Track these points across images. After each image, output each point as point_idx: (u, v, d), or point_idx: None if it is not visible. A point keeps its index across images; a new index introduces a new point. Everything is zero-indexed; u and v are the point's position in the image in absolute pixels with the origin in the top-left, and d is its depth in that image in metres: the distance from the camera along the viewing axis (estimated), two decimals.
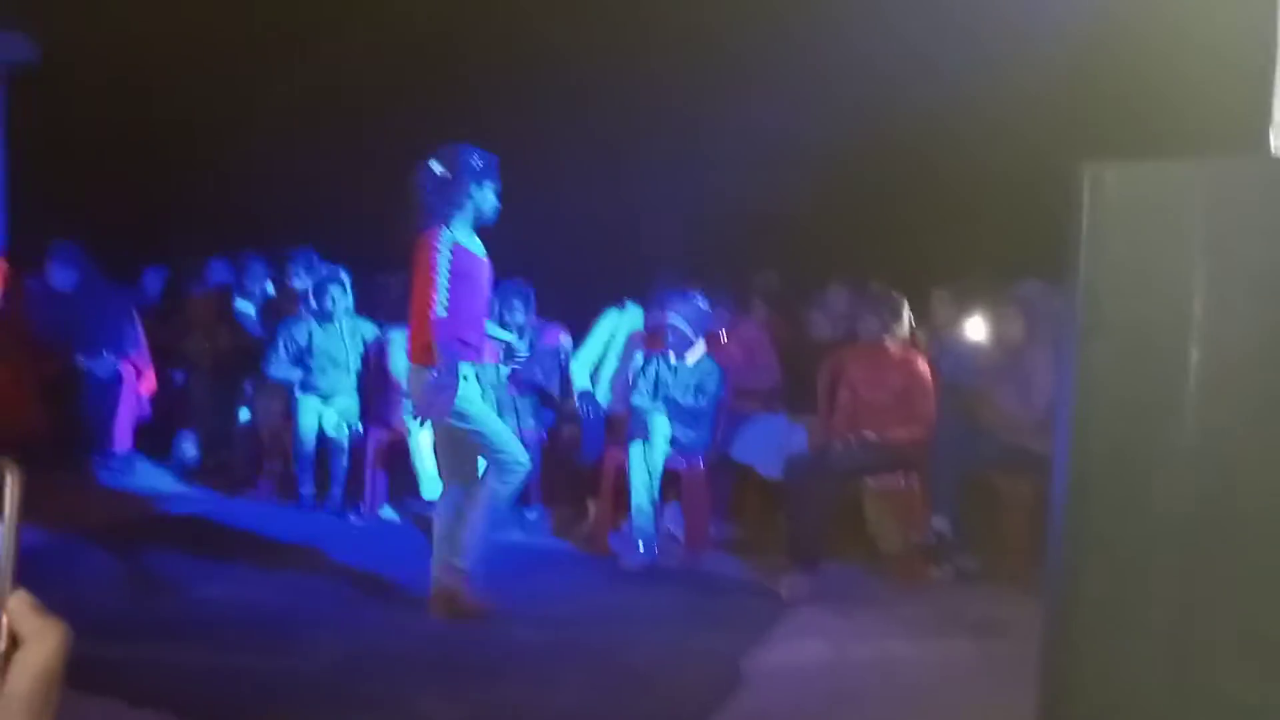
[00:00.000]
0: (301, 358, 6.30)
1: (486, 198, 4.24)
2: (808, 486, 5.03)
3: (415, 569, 4.83)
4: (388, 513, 6.16)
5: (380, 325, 6.46)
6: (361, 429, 6.23)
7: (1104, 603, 2.15)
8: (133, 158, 9.00)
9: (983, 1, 6.11)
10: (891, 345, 5.36)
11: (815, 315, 6.53)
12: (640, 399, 5.63)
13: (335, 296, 6.30)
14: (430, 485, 5.83)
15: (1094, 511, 2.18)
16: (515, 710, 3.58)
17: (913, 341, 5.60)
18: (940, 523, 5.12)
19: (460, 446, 4.29)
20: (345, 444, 6.15)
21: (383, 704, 3.56)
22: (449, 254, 4.11)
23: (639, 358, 5.98)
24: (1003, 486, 5.21)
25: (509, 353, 4.64)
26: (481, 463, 4.34)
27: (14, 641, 0.72)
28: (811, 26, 7.03)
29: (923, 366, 5.34)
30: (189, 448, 7.18)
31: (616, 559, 5.32)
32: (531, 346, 6.26)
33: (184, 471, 7.05)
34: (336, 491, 6.14)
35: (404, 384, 6.02)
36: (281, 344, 6.33)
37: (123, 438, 6.87)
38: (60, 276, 6.84)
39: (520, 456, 4.27)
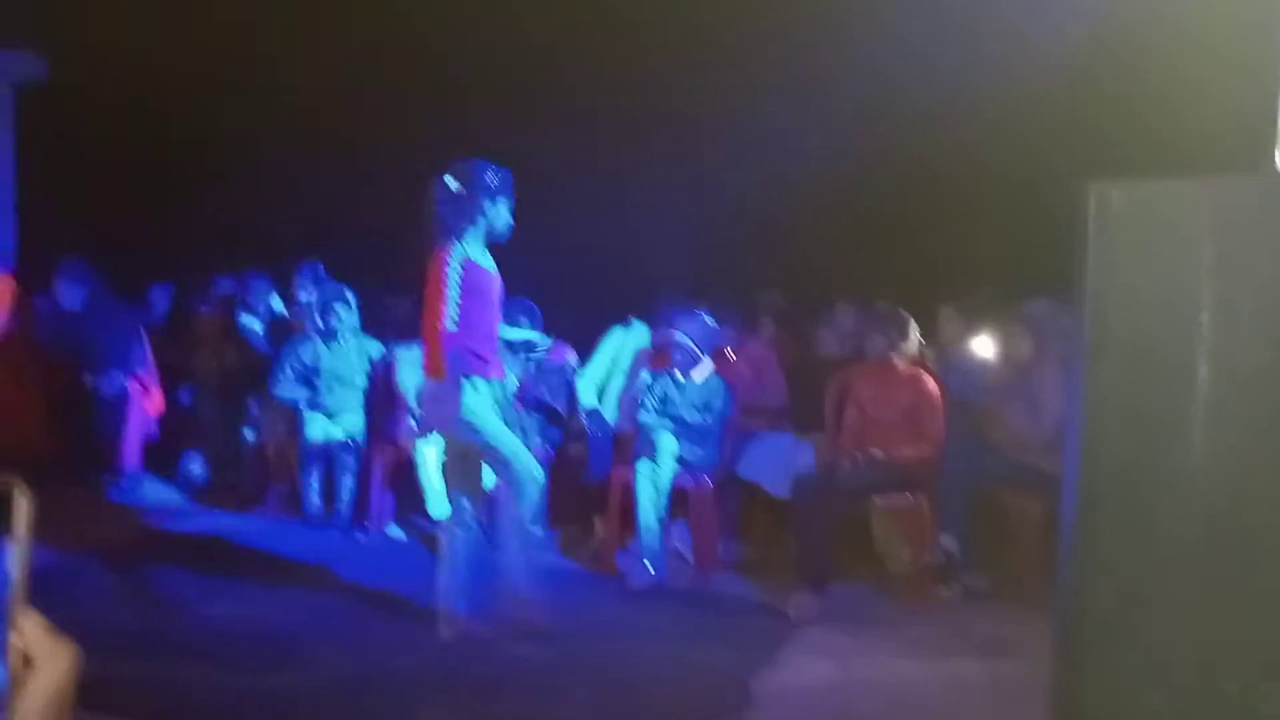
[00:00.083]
0: (308, 377, 6.31)
1: (500, 214, 4.25)
2: (815, 505, 5.02)
3: (421, 586, 4.83)
4: (394, 530, 6.16)
5: (386, 344, 6.47)
6: (368, 447, 6.23)
7: (1113, 622, 2.14)
8: (141, 175, 9.05)
9: (989, 20, 6.13)
10: (899, 363, 5.35)
11: (822, 333, 6.53)
12: (647, 417, 5.62)
13: (341, 315, 6.32)
14: (437, 503, 5.82)
15: (1102, 530, 2.17)
16: None
17: (920, 360, 5.59)
18: (948, 542, 5.10)
19: (469, 460, 4.30)
20: (352, 462, 6.16)
21: None
22: (460, 269, 4.13)
23: (646, 375, 5.98)
24: (1011, 505, 5.20)
25: (529, 348, 4.62)
26: (487, 475, 4.34)
27: (27, 662, 0.73)
28: (818, 44, 7.06)
29: (930, 385, 5.33)
30: (196, 466, 7.19)
31: (624, 578, 5.30)
32: (538, 364, 6.27)
33: (191, 490, 7.05)
34: (343, 509, 6.14)
35: (411, 401, 6.04)
36: (288, 363, 6.34)
37: (130, 456, 6.88)
38: (68, 294, 6.86)
39: (533, 469, 4.27)
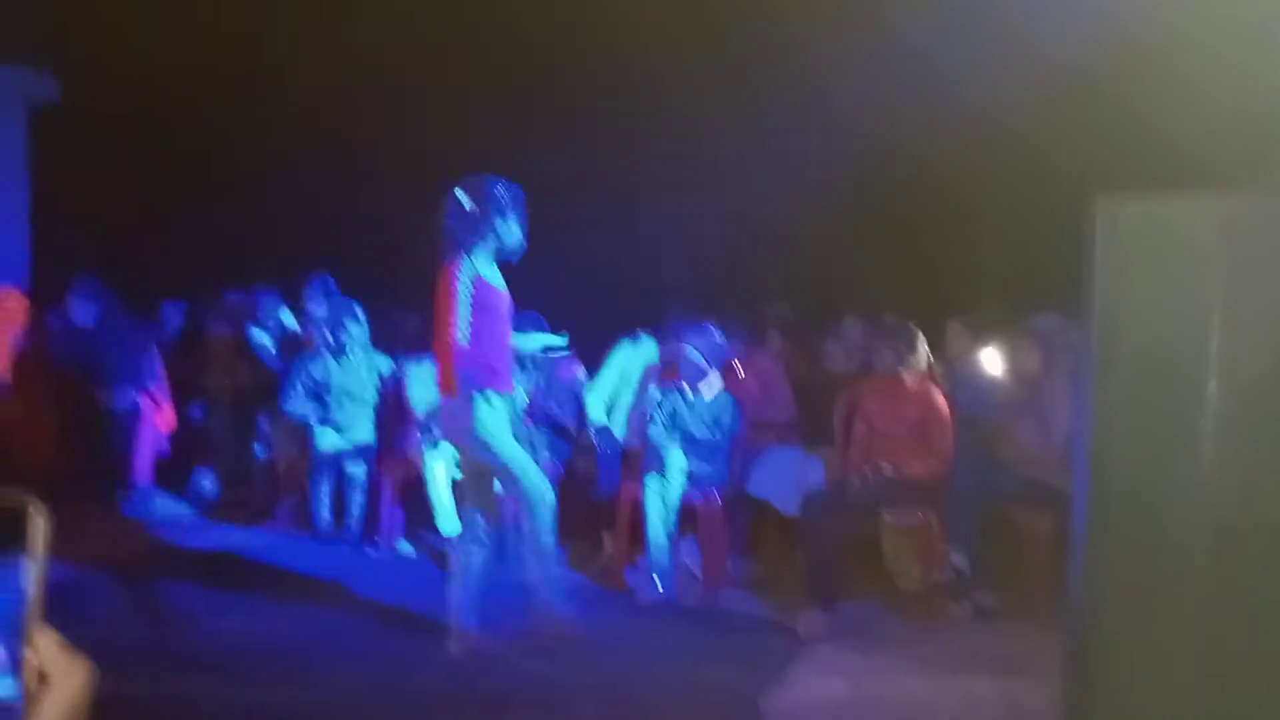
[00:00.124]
0: (318, 392, 6.32)
1: (511, 230, 4.26)
2: (824, 522, 5.00)
3: (431, 601, 4.83)
4: (404, 546, 6.16)
5: (396, 359, 6.49)
6: (378, 462, 6.24)
7: (1124, 640, 2.13)
8: (152, 191, 9.10)
9: (998, 33, 6.14)
10: (908, 378, 5.34)
11: (830, 347, 6.53)
12: (656, 432, 5.62)
13: (351, 330, 6.33)
14: (446, 519, 5.82)
15: (1112, 547, 2.17)
16: None
17: (929, 374, 5.58)
18: (958, 558, 5.08)
19: (483, 476, 4.31)
20: (362, 478, 6.17)
21: None
22: (470, 284, 4.14)
23: (654, 391, 5.98)
24: (1022, 521, 5.18)
25: (551, 349, 4.61)
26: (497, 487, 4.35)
27: (41, 679, 0.73)
28: (827, 58, 7.07)
29: (940, 400, 5.32)
30: (207, 481, 7.20)
31: (633, 594, 5.29)
32: (546, 379, 6.28)
33: (203, 505, 7.07)
34: (353, 525, 6.15)
35: (421, 416, 6.05)
36: (298, 379, 6.35)
37: (142, 471, 6.90)
38: (81, 311, 6.89)
39: (544, 490, 4.27)
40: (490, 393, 4.18)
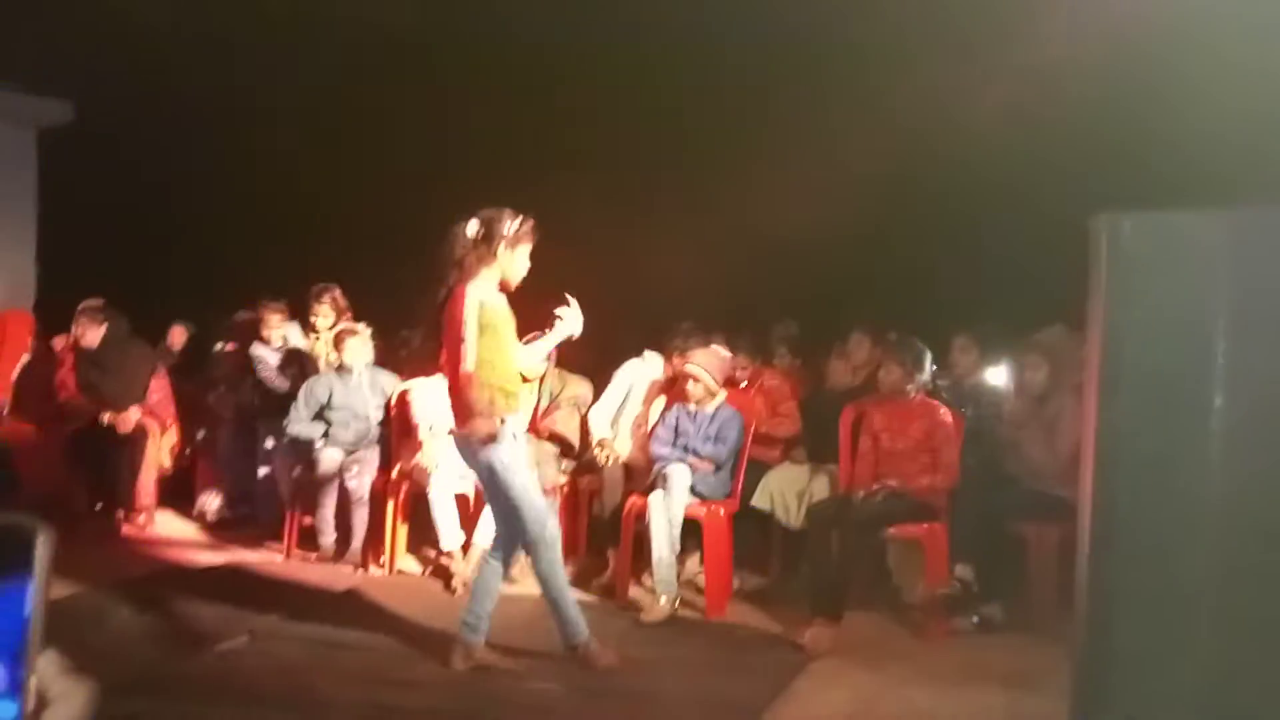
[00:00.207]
0: (323, 411, 6.33)
1: (516, 261, 4.29)
2: (830, 536, 4.99)
3: (435, 619, 4.83)
4: (408, 564, 6.15)
5: (401, 377, 6.49)
6: (383, 481, 6.24)
7: (1133, 655, 2.12)
8: (160, 214, 9.13)
9: (1003, 48, 6.15)
10: (913, 393, 5.34)
11: (836, 363, 6.52)
12: (660, 448, 5.62)
13: (356, 349, 6.34)
14: (450, 536, 5.82)
15: (1120, 559, 2.16)
16: None
17: (935, 389, 5.58)
18: (965, 572, 5.06)
19: (498, 498, 4.32)
20: (366, 496, 6.16)
21: None
22: (478, 310, 4.16)
23: (659, 406, 5.98)
24: (1029, 535, 5.17)
25: (563, 329, 4.58)
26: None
27: (43, 702, 0.73)
28: (831, 75, 7.10)
29: (945, 414, 5.31)
30: (213, 501, 7.21)
31: (637, 609, 5.28)
32: (551, 396, 6.28)
33: (208, 525, 7.08)
34: (358, 544, 6.15)
35: (425, 434, 6.05)
36: (303, 400, 6.36)
37: (148, 493, 6.91)
38: (88, 332, 6.90)
39: (545, 530, 4.26)
40: (505, 418, 4.19)
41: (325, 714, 3.89)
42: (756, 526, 5.85)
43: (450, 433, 4.59)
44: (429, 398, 6.01)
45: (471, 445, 4.21)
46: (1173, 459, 2.09)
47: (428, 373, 5.98)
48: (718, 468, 5.55)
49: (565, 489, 6.08)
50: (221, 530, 6.95)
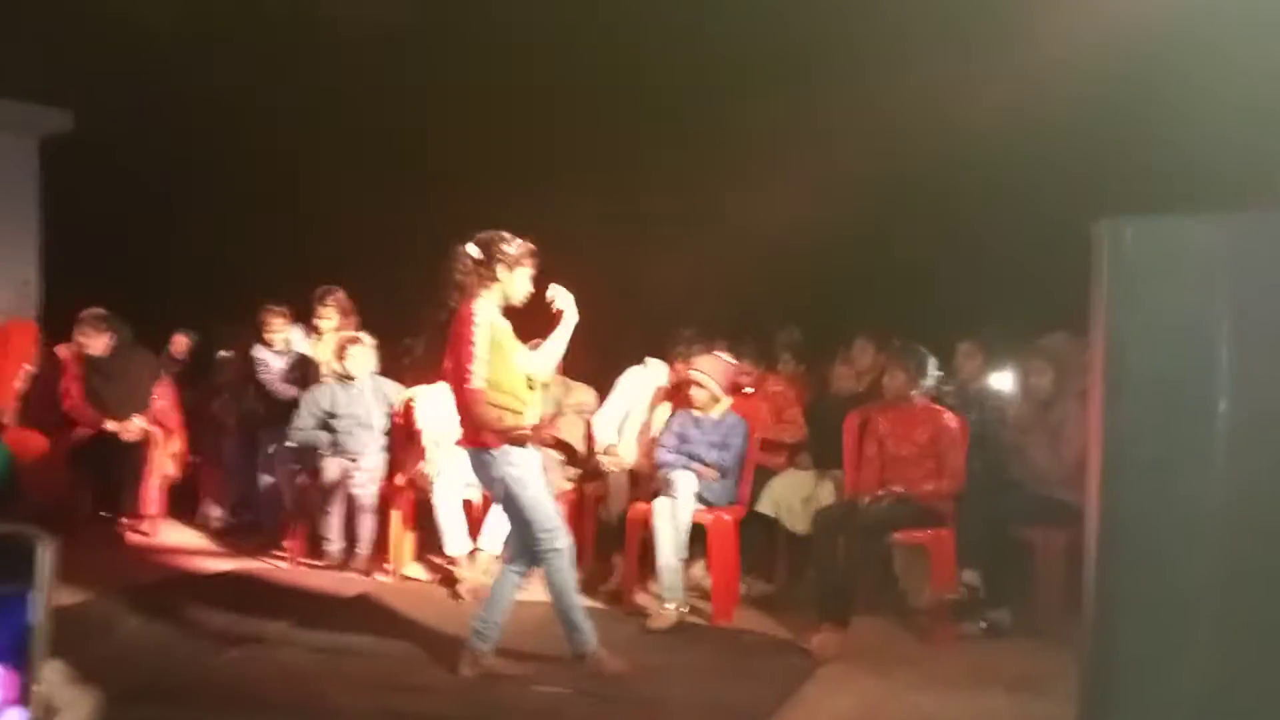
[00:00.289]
0: (327, 419, 6.33)
1: (516, 282, 4.30)
2: (836, 541, 4.99)
3: (442, 626, 4.82)
4: (414, 571, 6.15)
5: (405, 384, 6.50)
6: (388, 488, 6.24)
7: (1139, 660, 2.12)
8: (161, 222, 9.15)
9: (1004, 53, 6.16)
10: (918, 398, 5.33)
11: (840, 369, 6.52)
12: (666, 454, 5.62)
13: (359, 358, 6.35)
14: (455, 543, 5.82)
15: (1125, 564, 2.16)
16: None
17: (939, 394, 5.57)
18: (971, 577, 5.06)
19: (511, 510, 4.32)
20: (372, 503, 6.16)
21: None
22: (487, 327, 4.18)
23: (664, 413, 5.97)
24: (1035, 539, 5.16)
25: (568, 322, 4.58)
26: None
27: (49, 711, 0.74)
28: (832, 78, 7.10)
29: (950, 419, 5.31)
30: (217, 509, 7.21)
31: (643, 615, 5.27)
32: (556, 403, 6.29)
33: (212, 533, 7.08)
34: (364, 550, 6.15)
35: (430, 441, 6.05)
36: (306, 409, 6.36)
37: (152, 500, 6.91)
38: (91, 341, 6.91)
39: (557, 542, 4.27)
40: (515, 434, 4.20)
41: None
42: (762, 532, 5.84)
43: (459, 443, 4.60)
44: (434, 405, 6.01)
45: (482, 458, 4.22)
46: (1176, 464, 2.09)
47: (430, 380, 6.00)
48: (723, 474, 5.55)
49: (571, 496, 6.08)
50: (225, 537, 6.95)
